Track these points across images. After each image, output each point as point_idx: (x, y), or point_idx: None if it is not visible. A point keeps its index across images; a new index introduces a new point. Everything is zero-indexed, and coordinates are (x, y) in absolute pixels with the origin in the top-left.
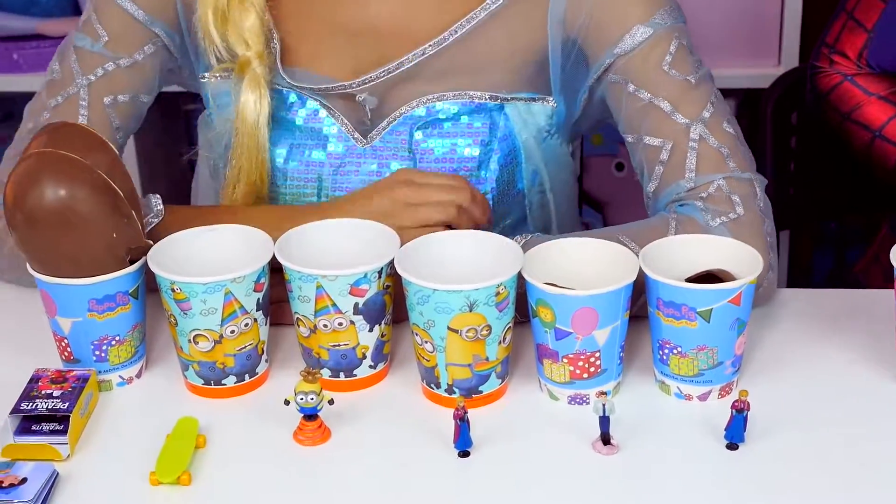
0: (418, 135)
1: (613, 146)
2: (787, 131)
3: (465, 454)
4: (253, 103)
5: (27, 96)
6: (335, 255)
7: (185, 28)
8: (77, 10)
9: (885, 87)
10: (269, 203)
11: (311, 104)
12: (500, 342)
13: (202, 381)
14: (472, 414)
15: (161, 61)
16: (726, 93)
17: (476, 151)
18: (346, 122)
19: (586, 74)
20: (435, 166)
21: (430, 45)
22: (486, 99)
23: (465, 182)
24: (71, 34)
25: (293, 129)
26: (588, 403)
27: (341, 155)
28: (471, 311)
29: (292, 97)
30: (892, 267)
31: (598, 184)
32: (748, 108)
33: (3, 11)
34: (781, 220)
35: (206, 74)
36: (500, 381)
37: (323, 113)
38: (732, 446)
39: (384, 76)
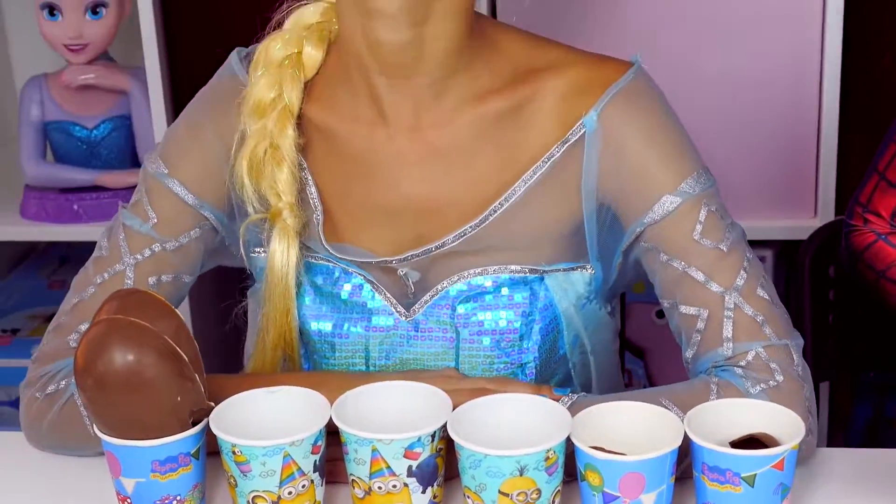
0: (461, 308)
1: (654, 294)
2: (824, 284)
3: None
4: (281, 253)
5: (84, 245)
6: (390, 417)
7: (236, 207)
8: (136, 163)
9: None
10: (301, 367)
11: (356, 279)
12: None
13: None
14: None
15: (206, 244)
16: (764, 244)
17: (518, 323)
18: (389, 296)
19: (621, 239)
20: (478, 339)
21: (469, 227)
22: (526, 272)
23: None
24: (120, 212)
25: (339, 302)
26: None
27: (387, 328)
28: (521, 475)
29: (337, 272)
30: None
31: (640, 330)
32: (785, 258)
33: (66, 164)
34: (821, 372)
35: (258, 249)
36: None
37: (367, 287)
38: None
39: (426, 254)
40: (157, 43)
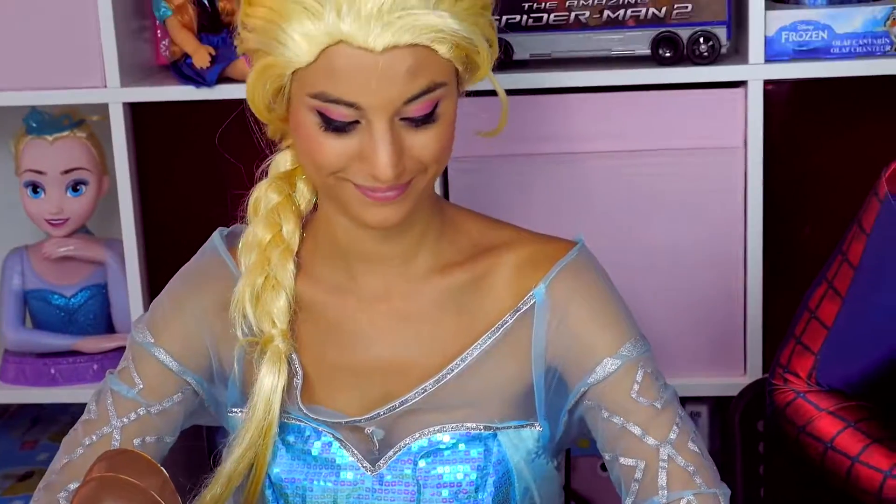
0: (422, 463)
1: (598, 449)
2: (754, 437)
3: None
4: (273, 375)
5: (58, 406)
6: None
7: (216, 372)
8: (111, 328)
9: (834, 403)
10: None
11: (326, 437)
12: None
13: None
14: None
15: (187, 406)
16: (699, 400)
17: (474, 476)
18: (356, 452)
19: (566, 399)
20: (437, 491)
21: (430, 384)
22: (481, 429)
23: None
24: (108, 378)
25: (309, 458)
26: None
27: (353, 482)
28: None
29: (308, 431)
30: None
31: (586, 482)
32: (718, 413)
33: (44, 330)
34: None
35: (235, 410)
36: None
37: (336, 444)
38: None
39: (390, 412)
40: (133, 218)
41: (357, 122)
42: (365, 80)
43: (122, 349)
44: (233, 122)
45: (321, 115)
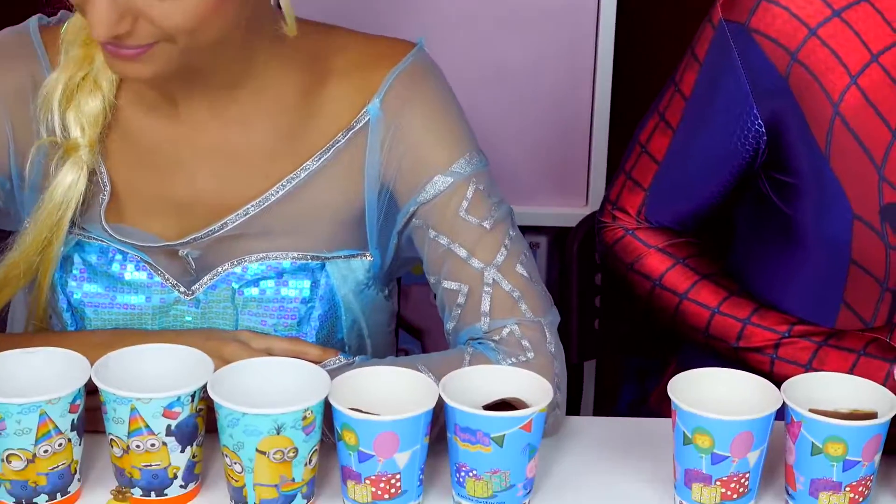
0: (242, 292)
1: None
2: (592, 268)
3: None
4: (69, 185)
5: None
6: (151, 379)
7: (15, 170)
8: None
9: (663, 240)
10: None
11: (133, 260)
12: (306, 464)
13: (13, 500)
14: None
15: None
16: (539, 230)
17: (297, 309)
18: (168, 276)
19: (396, 222)
20: (255, 321)
21: (252, 206)
22: (307, 259)
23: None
24: None
25: (114, 281)
26: None
27: (163, 306)
28: (278, 433)
29: (114, 252)
30: None
31: (418, 311)
32: (559, 244)
33: None
34: (587, 352)
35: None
36: (306, 500)
37: (145, 268)
38: None
39: (208, 236)
40: None
41: None
42: None
43: None
44: None
45: None
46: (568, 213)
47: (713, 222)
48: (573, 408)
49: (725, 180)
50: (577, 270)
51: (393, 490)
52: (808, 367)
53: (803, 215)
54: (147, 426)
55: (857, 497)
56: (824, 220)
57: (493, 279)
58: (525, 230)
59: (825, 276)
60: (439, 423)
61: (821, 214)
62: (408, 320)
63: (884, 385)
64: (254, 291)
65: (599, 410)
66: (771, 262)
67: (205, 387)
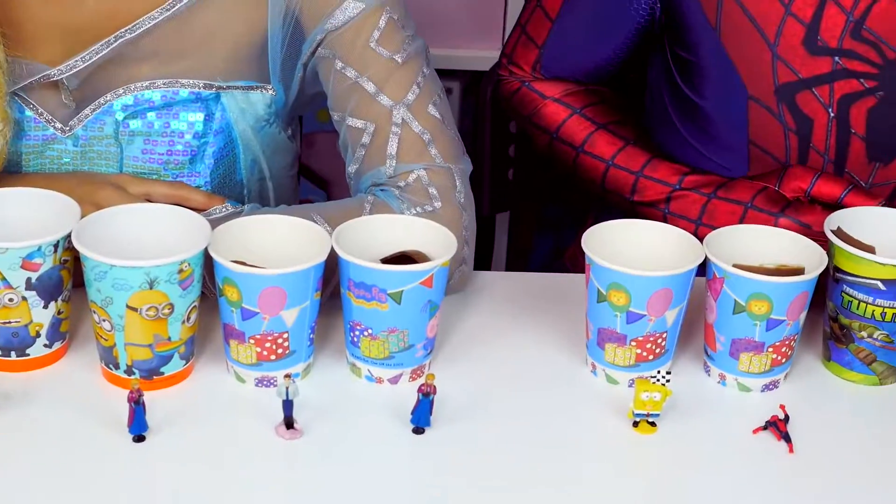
0: (126, 124)
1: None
2: (505, 116)
3: (139, 439)
4: None
5: None
6: (12, 227)
7: None
8: None
9: (561, 91)
10: None
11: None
12: (183, 322)
13: None
14: (154, 396)
15: None
16: (454, 74)
17: (189, 144)
18: (42, 110)
19: (301, 51)
20: (142, 158)
21: (138, 23)
22: (200, 88)
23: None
24: None
25: None
26: (275, 386)
27: (37, 144)
28: (151, 288)
29: None
30: None
31: (323, 161)
32: (474, 91)
33: None
34: (500, 203)
35: None
36: (184, 362)
37: (14, 100)
38: (418, 430)
39: (89, 59)
40: None
41: None
42: None
43: None
44: None
45: None
46: (483, 55)
47: (616, 78)
48: (483, 264)
49: (623, 41)
50: (491, 117)
51: (280, 350)
52: (699, 222)
53: (706, 101)
54: (4, 279)
55: (779, 358)
56: (725, 103)
57: (403, 119)
58: (439, 74)
59: (730, 158)
60: (335, 279)
61: (723, 98)
62: (313, 169)
63: None
64: (139, 124)
65: (512, 267)
66: (679, 137)
67: (69, 235)
